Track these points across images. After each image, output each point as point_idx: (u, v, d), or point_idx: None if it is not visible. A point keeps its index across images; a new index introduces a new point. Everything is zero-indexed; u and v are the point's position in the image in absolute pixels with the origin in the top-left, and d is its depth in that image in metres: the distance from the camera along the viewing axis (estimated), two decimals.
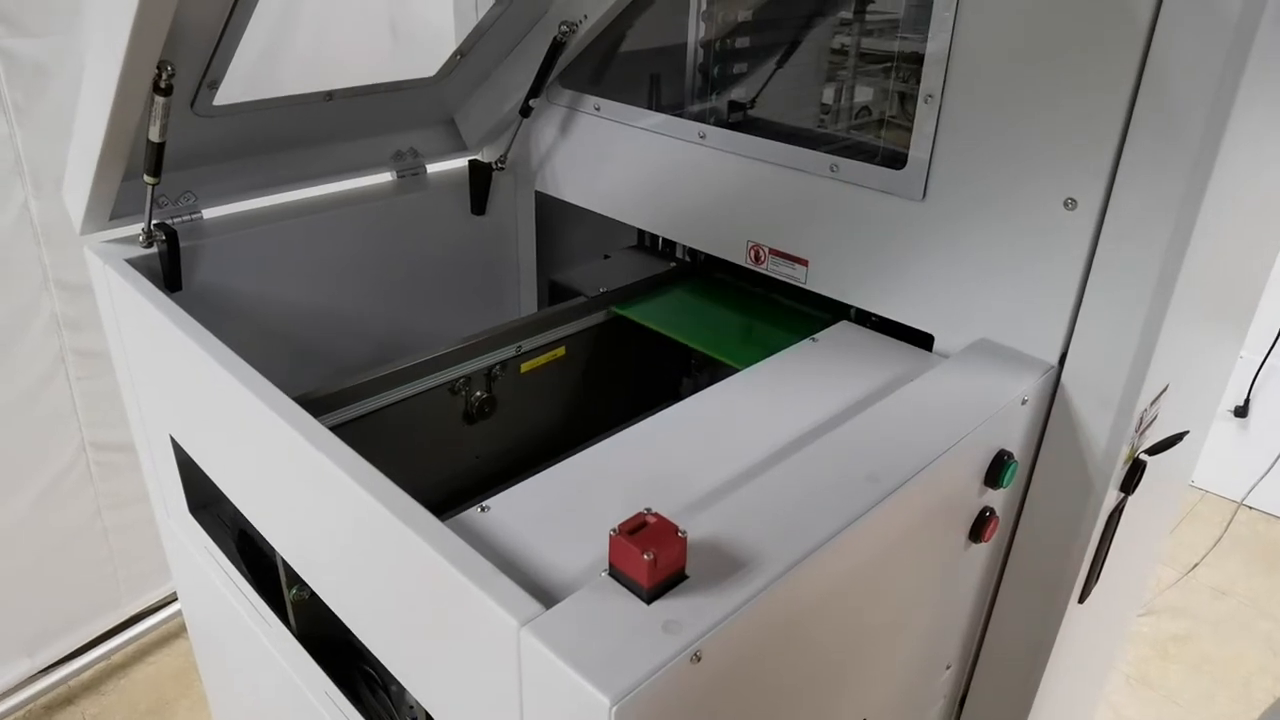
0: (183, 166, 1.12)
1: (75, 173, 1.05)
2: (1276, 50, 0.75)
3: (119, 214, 1.10)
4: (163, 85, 0.93)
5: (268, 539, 0.94)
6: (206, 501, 1.16)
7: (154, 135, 0.98)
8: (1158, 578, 2.36)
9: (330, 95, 1.20)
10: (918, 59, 0.92)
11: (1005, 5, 0.82)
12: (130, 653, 2.01)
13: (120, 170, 1.03)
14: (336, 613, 0.84)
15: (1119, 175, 0.78)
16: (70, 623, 1.90)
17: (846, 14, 1.39)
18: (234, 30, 0.99)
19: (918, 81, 0.93)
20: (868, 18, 1.37)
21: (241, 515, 1.01)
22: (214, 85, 1.06)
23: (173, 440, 1.11)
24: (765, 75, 1.43)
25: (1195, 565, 2.43)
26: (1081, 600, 0.99)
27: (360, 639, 0.82)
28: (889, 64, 1.34)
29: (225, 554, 1.10)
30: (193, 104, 1.06)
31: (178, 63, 0.93)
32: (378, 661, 0.91)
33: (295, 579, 0.93)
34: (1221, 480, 2.69)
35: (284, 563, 0.93)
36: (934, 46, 0.88)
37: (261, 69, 1.19)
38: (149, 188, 1.04)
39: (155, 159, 1.01)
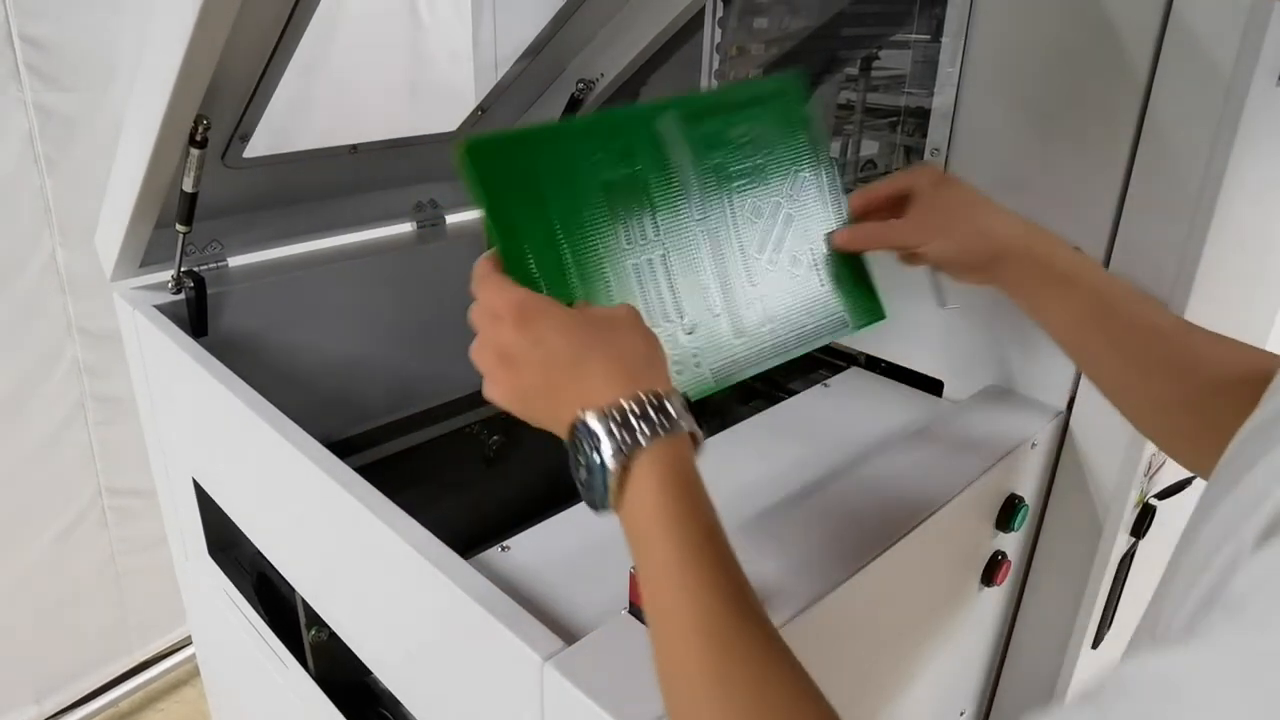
0: (211, 216, 1.16)
1: (109, 221, 1.08)
2: (1271, 103, 0.78)
3: (149, 262, 1.14)
4: (199, 138, 0.97)
5: (288, 579, 0.95)
6: (225, 544, 1.17)
7: (188, 185, 1.02)
8: None
9: (355, 148, 1.24)
10: (922, 114, 0.96)
11: (1008, 62, 0.85)
12: (138, 700, 2.00)
13: (153, 219, 1.06)
14: (356, 652, 0.85)
15: (1120, 227, 0.81)
16: (79, 669, 1.89)
17: (853, 70, 1.43)
18: (267, 85, 1.03)
19: (923, 135, 0.96)
20: (873, 74, 1.42)
21: (260, 557, 1.02)
22: (245, 138, 1.10)
23: (195, 483, 1.13)
24: None
25: None
26: (1095, 646, 0.99)
27: (380, 678, 0.82)
28: (894, 119, 1.38)
29: (244, 595, 1.11)
30: (224, 156, 1.10)
31: (213, 116, 0.97)
32: (395, 705, 0.91)
33: (314, 620, 0.94)
34: None
35: (303, 604, 0.94)
36: (939, 101, 0.91)
37: (289, 123, 1.23)
38: (180, 236, 1.08)
39: (188, 208, 1.04)
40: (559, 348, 0.53)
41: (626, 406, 0.49)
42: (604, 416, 0.49)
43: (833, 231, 0.73)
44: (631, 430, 0.49)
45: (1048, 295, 0.68)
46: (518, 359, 0.53)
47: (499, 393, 0.55)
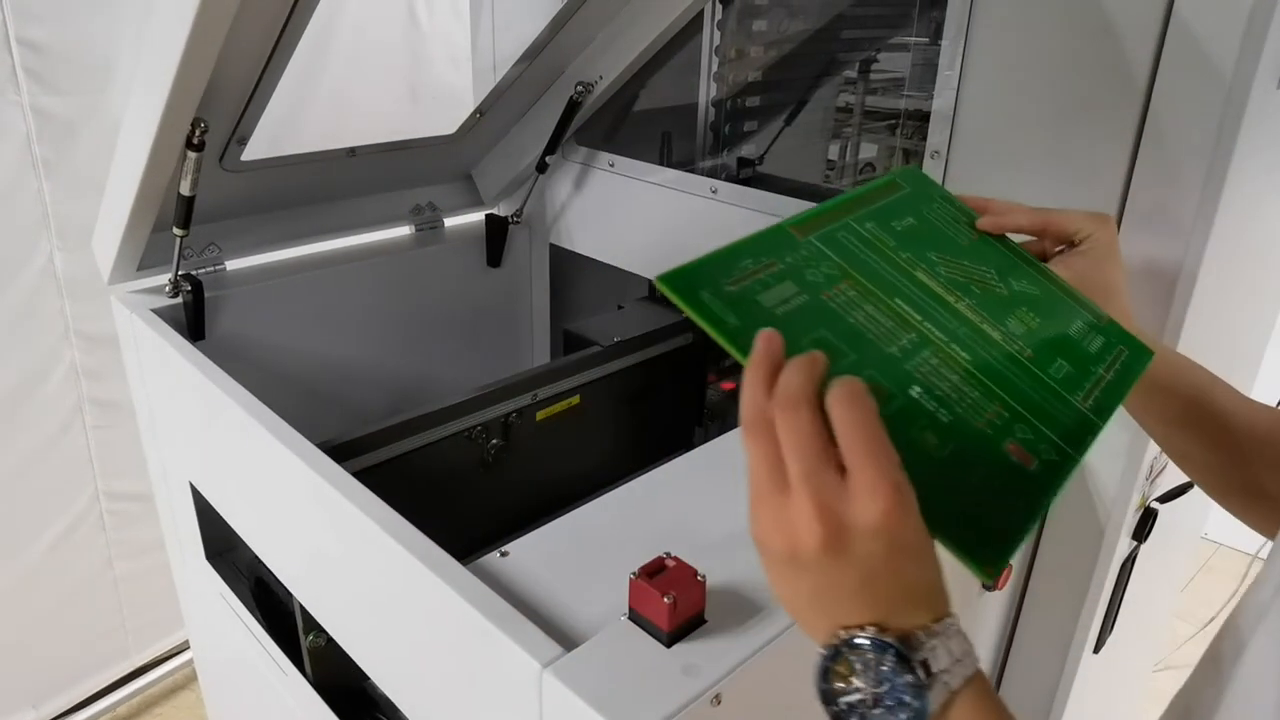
0: (209, 219, 1.16)
1: (107, 225, 1.08)
2: (1272, 106, 0.78)
3: (146, 265, 1.13)
4: (196, 141, 0.97)
5: (286, 585, 0.95)
6: (223, 549, 1.17)
7: (185, 189, 1.01)
8: (1174, 632, 2.33)
9: (353, 151, 1.24)
10: (921, 116, 0.95)
11: (1008, 64, 0.85)
12: (136, 705, 1.99)
13: (150, 223, 1.06)
14: (354, 658, 0.85)
15: (1122, 230, 0.81)
16: (77, 674, 1.88)
17: (851, 74, 1.43)
18: (265, 89, 1.03)
19: (921, 138, 0.96)
20: (871, 77, 1.42)
21: (258, 562, 1.02)
22: (243, 142, 1.09)
23: (192, 487, 1.12)
24: (774, 132, 1.47)
25: (1212, 620, 2.40)
26: (1096, 650, 0.98)
27: (379, 684, 0.82)
28: (892, 121, 1.38)
29: (241, 601, 1.10)
30: (221, 159, 1.10)
31: (210, 120, 0.97)
32: (394, 711, 0.91)
33: (312, 626, 0.93)
34: (1235, 533, 2.67)
35: (301, 609, 0.93)
36: (940, 104, 0.91)
37: (286, 126, 1.23)
38: (177, 240, 1.08)
39: (185, 212, 1.04)
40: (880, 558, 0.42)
41: (948, 630, 0.42)
42: (923, 646, 0.41)
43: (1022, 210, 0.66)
44: (957, 662, 0.42)
45: (1158, 396, 0.66)
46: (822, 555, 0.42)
47: (780, 588, 0.46)
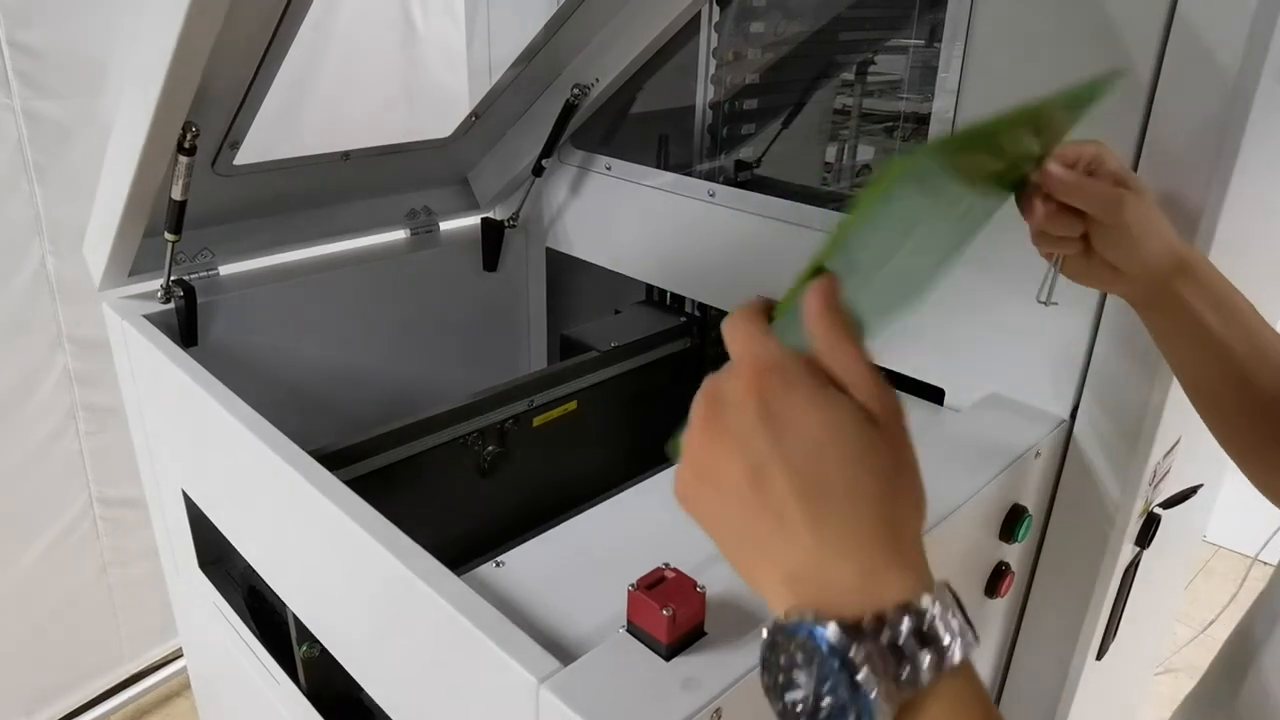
0: (201, 224, 1.14)
1: (97, 230, 1.07)
2: (1276, 106, 0.77)
3: (138, 270, 1.12)
4: (187, 145, 0.96)
5: (279, 594, 0.94)
6: (216, 557, 1.15)
7: (176, 194, 1.00)
8: (1174, 635, 2.32)
9: (347, 155, 1.23)
10: (919, 118, 0.94)
11: (1008, 65, 0.84)
12: (129, 713, 1.97)
13: (141, 228, 1.05)
14: (348, 669, 0.84)
15: None
16: (71, 681, 1.87)
17: (849, 76, 1.42)
18: (257, 92, 1.02)
19: (919, 140, 0.95)
20: (869, 80, 1.41)
21: (251, 571, 1.01)
22: (235, 145, 1.08)
23: (184, 495, 1.11)
24: (771, 135, 1.47)
25: (1211, 622, 2.40)
26: (1099, 657, 0.97)
27: (372, 696, 0.81)
28: (890, 123, 1.38)
29: (234, 610, 1.09)
30: (214, 163, 1.09)
31: (202, 124, 0.96)
32: None
33: (306, 636, 0.92)
34: (1235, 535, 2.67)
35: (294, 619, 0.92)
36: (938, 105, 0.90)
37: (280, 130, 1.22)
38: (169, 245, 1.06)
39: (177, 217, 1.03)
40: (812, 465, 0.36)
41: (900, 622, 0.34)
42: (861, 634, 0.34)
43: (1045, 167, 0.64)
44: (906, 661, 0.33)
45: (1206, 317, 0.65)
46: (732, 462, 0.38)
47: (691, 505, 0.41)
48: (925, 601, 0.34)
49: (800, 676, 0.35)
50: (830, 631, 0.34)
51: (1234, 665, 0.45)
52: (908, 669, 0.33)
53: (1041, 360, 0.89)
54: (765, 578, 0.38)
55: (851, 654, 0.33)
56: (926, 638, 0.34)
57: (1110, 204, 0.63)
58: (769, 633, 0.37)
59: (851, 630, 0.33)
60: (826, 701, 0.34)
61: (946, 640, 0.34)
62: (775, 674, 0.36)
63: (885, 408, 0.38)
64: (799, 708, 0.35)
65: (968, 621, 0.35)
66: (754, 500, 0.37)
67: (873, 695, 0.33)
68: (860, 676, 0.33)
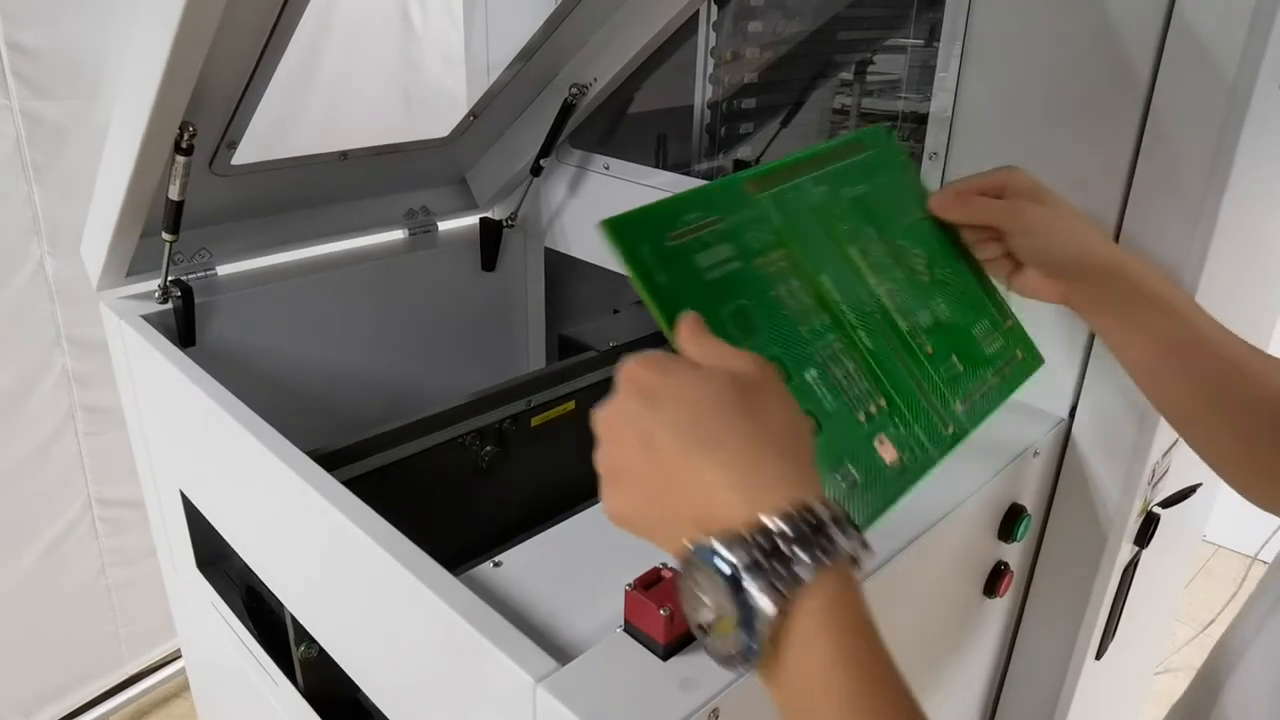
0: (199, 224, 1.14)
1: (95, 230, 1.07)
2: (1275, 106, 0.77)
3: (135, 271, 1.12)
4: (184, 145, 0.95)
5: (277, 595, 0.94)
6: (214, 557, 1.15)
7: (174, 194, 1.00)
8: (1174, 635, 2.32)
9: (345, 155, 1.23)
10: (917, 118, 0.94)
11: (1007, 65, 0.84)
12: (128, 714, 1.97)
13: (139, 228, 1.05)
14: (346, 669, 0.84)
15: (1123, 232, 0.80)
16: (70, 683, 1.87)
17: (847, 75, 1.42)
18: (254, 92, 1.01)
19: (917, 140, 0.95)
20: (868, 79, 1.41)
21: (249, 571, 1.01)
22: (232, 145, 1.08)
23: (182, 495, 1.11)
24: (770, 134, 1.47)
25: (1211, 622, 2.40)
26: (1099, 657, 0.97)
27: (370, 696, 0.81)
28: (889, 123, 1.37)
29: (232, 610, 1.09)
30: (211, 163, 1.09)
31: (199, 123, 0.96)
32: None
33: (304, 636, 0.92)
34: (1234, 535, 2.66)
35: (293, 619, 0.92)
36: (937, 105, 0.90)
37: (277, 130, 1.22)
38: (167, 245, 1.06)
39: (174, 217, 1.03)
40: (679, 420, 0.41)
41: (776, 529, 0.38)
42: (745, 543, 0.38)
43: (930, 194, 0.69)
44: (787, 562, 0.38)
45: (1136, 316, 0.65)
46: (626, 436, 0.43)
47: (620, 514, 0.45)
48: (797, 507, 0.39)
49: (705, 598, 0.39)
50: (715, 544, 0.38)
51: (1198, 706, 0.45)
52: (786, 569, 0.37)
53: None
54: (682, 534, 0.41)
55: (735, 558, 0.38)
56: (805, 540, 0.38)
57: (1001, 212, 0.67)
58: (679, 570, 0.41)
59: (734, 540, 0.38)
60: (727, 612, 0.38)
61: (825, 543, 0.38)
62: (691, 605, 0.40)
63: (748, 367, 0.43)
64: (708, 630, 0.40)
65: (854, 527, 0.40)
66: (649, 465, 0.42)
67: (755, 593, 0.37)
68: (746, 581, 0.37)
